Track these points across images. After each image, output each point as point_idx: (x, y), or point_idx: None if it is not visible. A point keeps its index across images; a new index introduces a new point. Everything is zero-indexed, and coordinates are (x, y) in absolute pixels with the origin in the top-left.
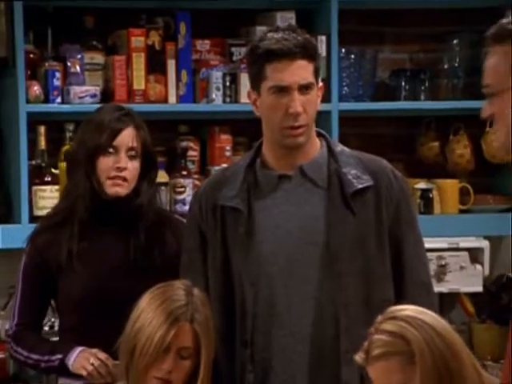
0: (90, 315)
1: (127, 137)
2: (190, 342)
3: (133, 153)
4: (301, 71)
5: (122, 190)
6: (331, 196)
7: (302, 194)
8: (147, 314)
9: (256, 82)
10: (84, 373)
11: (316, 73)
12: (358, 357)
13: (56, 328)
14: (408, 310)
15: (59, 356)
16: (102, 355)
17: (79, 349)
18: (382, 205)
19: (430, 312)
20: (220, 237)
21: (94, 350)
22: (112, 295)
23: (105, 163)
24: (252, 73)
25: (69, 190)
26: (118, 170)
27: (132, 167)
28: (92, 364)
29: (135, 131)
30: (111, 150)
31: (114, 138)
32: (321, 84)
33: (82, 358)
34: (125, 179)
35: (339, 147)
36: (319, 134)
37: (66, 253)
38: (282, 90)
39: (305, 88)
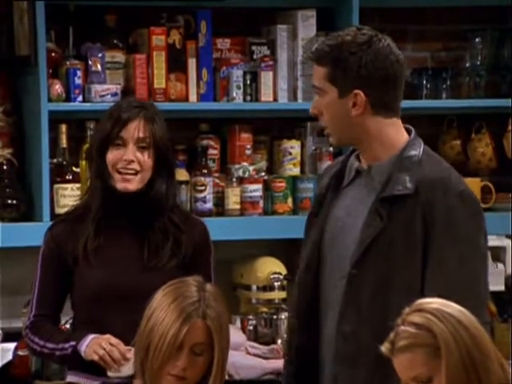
0: (103, 310)
1: (134, 128)
2: (202, 338)
3: (143, 144)
4: (314, 75)
5: (131, 185)
6: (374, 198)
7: (365, 193)
8: (159, 312)
9: None
10: (96, 357)
11: (333, 78)
12: (384, 347)
13: None
14: (435, 303)
15: (72, 343)
16: (115, 340)
17: (92, 335)
18: (416, 216)
19: (457, 306)
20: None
21: (107, 336)
22: (125, 291)
23: (113, 156)
24: None
25: (89, 185)
26: (126, 162)
27: (142, 159)
28: (104, 348)
29: (144, 122)
30: (119, 141)
31: (120, 128)
32: (356, 91)
33: (95, 344)
34: (135, 173)
35: (413, 151)
36: (410, 134)
37: (82, 247)
38: None
39: (317, 91)
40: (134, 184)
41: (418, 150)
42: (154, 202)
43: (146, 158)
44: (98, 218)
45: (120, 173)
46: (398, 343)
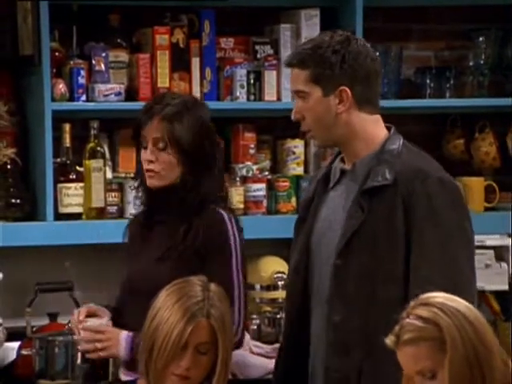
0: (123, 306)
1: (151, 129)
2: (207, 338)
3: (160, 145)
4: (293, 79)
5: (155, 181)
6: (356, 192)
7: (350, 189)
8: (164, 312)
9: None
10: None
11: (317, 79)
12: (389, 340)
13: None
14: (441, 297)
15: None
16: (80, 310)
17: None
18: (398, 205)
19: (462, 301)
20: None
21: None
22: (135, 285)
23: (141, 156)
24: None
25: None
26: (147, 162)
27: (162, 159)
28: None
29: (160, 122)
30: (144, 142)
31: (141, 129)
32: (342, 88)
33: None
34: (156, 172)
35: (393, 145)
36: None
37: (128, 240)
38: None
39: (299, 95)
40: (157, 180)
41: (398, 143)
42: (178, 197)
43: (166, 158)
44: (144, 215)
45: (146, 171)
46: (403, 336)
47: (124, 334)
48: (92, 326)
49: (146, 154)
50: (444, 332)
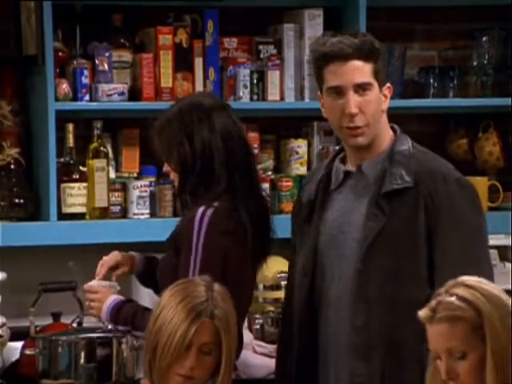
0: None
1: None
2: (211, 338)
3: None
4: (355, 72)
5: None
6: (371, 194)
7: (358, 191)
8: (168, 312)
9: (319, 85)
10: None
11: (376, 73)
12: (423, 313)
13: None
14: (483, 282)
15: None
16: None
17: None
18: (420, 207)
19: (501, 290)
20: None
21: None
22: None
23: None
24: (315, 77)
25: None
26: None
27: (170, 169)
28: None
29: (152, 136)
30: None
31: None
32: (388, 84)
33: None
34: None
35: (403, 146)
36: (394, 132)
37: None
38: (338, 92)
39: (361, 88)
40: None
41: (407, 144)
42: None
43: (170, 167)
44: None
45: None
46: (440, 312)
47: (110, 300)
48: (87, 286)
49: None
50: (484, 319)
